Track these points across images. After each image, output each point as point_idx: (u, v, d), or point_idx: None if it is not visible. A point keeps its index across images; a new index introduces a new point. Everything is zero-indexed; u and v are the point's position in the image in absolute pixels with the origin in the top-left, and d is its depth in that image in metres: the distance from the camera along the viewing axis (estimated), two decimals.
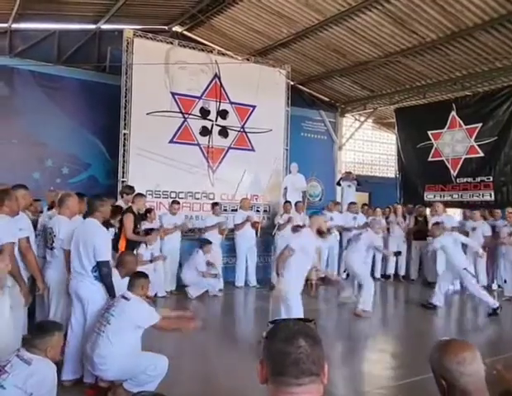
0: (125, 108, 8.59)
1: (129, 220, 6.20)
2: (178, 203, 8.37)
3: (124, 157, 8.60)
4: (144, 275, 3.89)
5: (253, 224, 8.69)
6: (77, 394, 3.67)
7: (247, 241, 8.61)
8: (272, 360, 1.28)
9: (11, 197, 3.80)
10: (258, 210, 9.79)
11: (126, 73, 8.64)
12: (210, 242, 7.79)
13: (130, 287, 3.70)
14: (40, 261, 4.50)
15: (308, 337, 1.28)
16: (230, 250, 8.67)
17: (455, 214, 11.04)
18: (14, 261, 3.56)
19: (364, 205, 10.82)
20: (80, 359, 3.80)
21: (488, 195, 9.80)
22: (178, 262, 8.03)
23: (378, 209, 9.96)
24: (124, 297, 3.64)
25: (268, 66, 10.33)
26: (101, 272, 3.84)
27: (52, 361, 2.75)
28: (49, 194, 6.83)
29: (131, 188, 6.97)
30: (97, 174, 9.75)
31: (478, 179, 9.99)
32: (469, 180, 10.17)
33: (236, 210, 9.26)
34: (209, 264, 7.76)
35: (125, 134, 8.60)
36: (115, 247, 5.89)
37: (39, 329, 2.87)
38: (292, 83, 11.26)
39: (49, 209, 5.98)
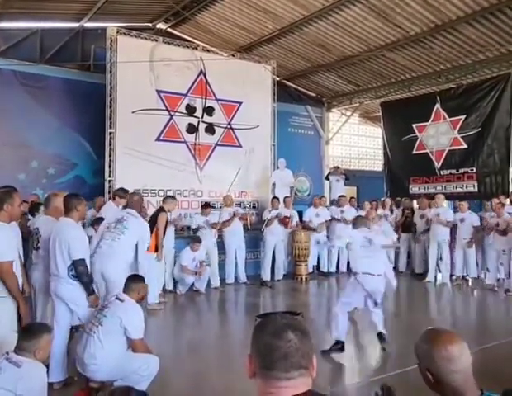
0: (110, 107, 8.52)
1: (163, 220, 6.58)
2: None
3: (110, 156, 8.54)
4: (140, 279, 3.87)
5: (241, 218, 8.67)
6: None
7: (236, 237, 8.61)
8: (261, 354, 1.27)
9: (13, 201, 3.36)
10: (246, 207, 9.81)
11: (111, 72, 8.57)
12: (199, 241, 7.77)
13: (126, 290, 3.68)
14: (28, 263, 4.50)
15: (297, 330, 1.27)
16: (219, 247, 8.68)
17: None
18: (14, 278, 3.27)
19: (352, 198, 10.89)
20: (65, 360, 3.80)
21: (471, 187, 9.92)
22: (174, 260, 7.97)
23: (366, 203, 10.02)
24: (118, 298, 3.62)
25: (254, 62, 10.32)
26: (77, 271, 3.79)
27: (41, 363, 2.74)
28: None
29: (125, 191, 6.85)
30: (84, 174, 9.67)
31: (461, 171, 10.10)
32: (452, 171, 10.28)
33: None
34: (198, 262, 7.73)
35: (111, 133, 8.54)
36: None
37: (27, 331, 2.85)
38: (278, 79, 11.27)
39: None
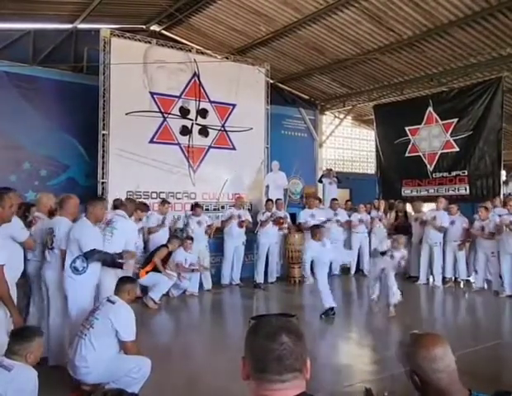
0: (103, 108, 8.49)
1: (162, 253, 7.29)
2: (169, 202, 8.42)
3: (103, 158, 8.50)
4: (131, 280, 3.87)
5: (240, 223, 8.69)
6: None
7: (235, 239, 8.61)
8: (255, 356, 1.27)
9: (4, 203, 3.30)
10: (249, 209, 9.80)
11: (104, 73, 8.54)
12: (191, 238, 7.78)
13: (117, 292, 3.68)
14: (37, 264, 4.61)
15: (291, 332, 1.27)
16: (217, 249, 8.68)
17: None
18: (4, 284, 3.23)
19: (348, 201, 10.95)
20: None
21: (463, 189, 9.99)
22: None
23: (361, 206, 10.06)
24: (109, 300, 3.61)
25: (247, 64, 10.33)
26: (92, 260, 4.05)
27: (32, 366, 2.73)
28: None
29: (146, 206, 7.39)
30: (76, 176, 9.63)
31: (453, 173, 10.17)
32: (445, 174, 10.34)
33: (218, 210, 9.28)
34: (190, 264, 7.73)
35: (104, 135, 8.51)
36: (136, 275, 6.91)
37: (18, 335, 2.83)
38: (272, 81, 11.29)
39: None
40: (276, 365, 1.23)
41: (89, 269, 4.13)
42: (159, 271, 7.18)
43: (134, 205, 5.76)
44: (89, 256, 4.03)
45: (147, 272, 7.12)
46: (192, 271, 7.66)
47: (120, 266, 4.25)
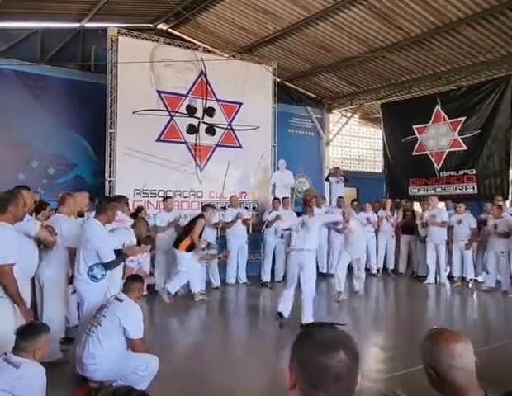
0: (110, 107, 8.53)
1: (199, 225, 7.03)
2: (171, 197, 8.36)
3: (110, 156, 8.54)
4: (139, 279, 3.89)
5: (245, 221, 8.68)
6: None
7: (238, 239, 8.60)
8: (306, 370, 1.15)
9: (17, 201, 3.32)
10: (246, 207, 9.80)
11: (111, 72, 8.57)
12: None
13: (126, 290, 3.70)
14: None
15: (348, 349, 1.15)
16: (222, 248, 8.67)
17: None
18: (13, 282, 3.21)
19: (353, 200, 10.86)
20: None
21: (471, 188, 9.92)
22: None
23: (368, 204, 9.99)
24: (117, 298, 3.63)
25: (254, 63, 10.32)
26: (111, 269, 4.10)
27: (40, 363, 2.73)
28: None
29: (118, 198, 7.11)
30: (84, 174, 9.68)
31: (461, 172, 10.09)
32: (452, 173, 10.27)
33: (225, 208, 9.26)
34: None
35: (111, 133, 8.54)
36: (175, 245, 7.02)
37: (25, 332, 2.82)
38: (279, 80, 11.27)
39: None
40: (332, 383, 1.12)
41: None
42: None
43: (144, 227, 5.66)
44: (109, 266, 4.06)
45: (187, 248, 6.96)
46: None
47: (126, 256, 4.32)
